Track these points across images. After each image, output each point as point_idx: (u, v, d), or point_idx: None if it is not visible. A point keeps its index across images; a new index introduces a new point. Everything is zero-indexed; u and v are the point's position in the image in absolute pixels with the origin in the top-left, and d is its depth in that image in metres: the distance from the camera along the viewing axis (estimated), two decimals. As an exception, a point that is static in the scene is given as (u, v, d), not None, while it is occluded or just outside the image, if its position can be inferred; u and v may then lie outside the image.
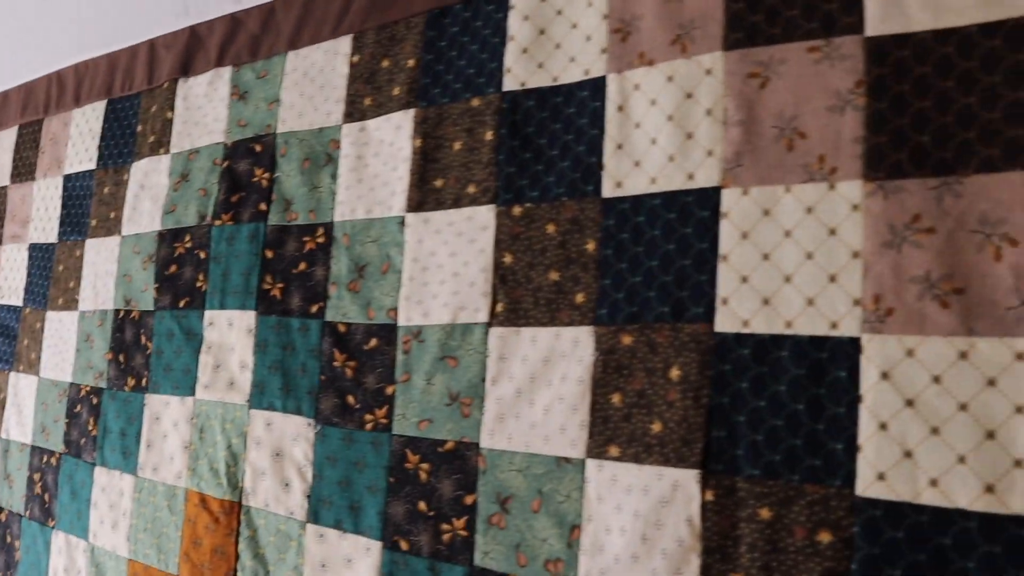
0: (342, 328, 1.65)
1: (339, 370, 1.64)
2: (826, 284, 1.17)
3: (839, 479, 1.13)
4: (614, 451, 1.30)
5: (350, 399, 1.61)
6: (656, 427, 1.27)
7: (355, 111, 1.72)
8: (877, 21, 1.19)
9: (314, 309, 1.70)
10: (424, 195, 1.58)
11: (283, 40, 1.85)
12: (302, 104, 1.80)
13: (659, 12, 1.36)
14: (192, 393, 1.87)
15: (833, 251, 1.17)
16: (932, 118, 1.14)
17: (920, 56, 1.16)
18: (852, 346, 1.14)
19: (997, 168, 1.09)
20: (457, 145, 1.55)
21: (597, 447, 1.32)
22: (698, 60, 1.32)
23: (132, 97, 2.16)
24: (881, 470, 1.10)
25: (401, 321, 1.57)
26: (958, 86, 1.13)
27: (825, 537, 1.13)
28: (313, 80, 1.80)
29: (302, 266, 1.74)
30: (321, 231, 1.72)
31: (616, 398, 1.31)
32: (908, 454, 1.09)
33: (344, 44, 1.76)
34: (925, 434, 1.08)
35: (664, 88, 1.34)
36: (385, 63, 1.69)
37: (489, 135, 1.51)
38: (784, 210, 1.21)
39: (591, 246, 1.37)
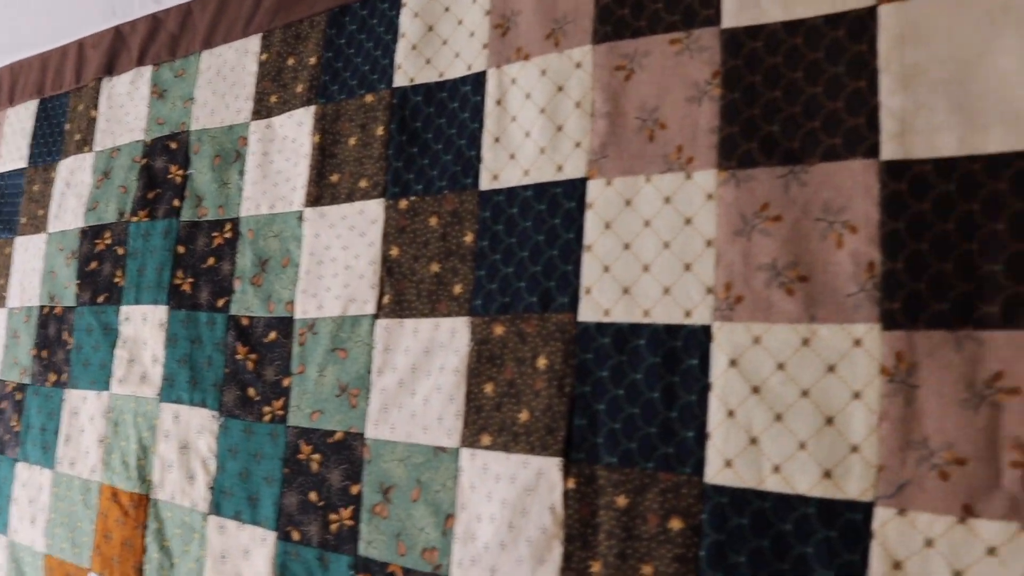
0: (245, 321, 1.67)
1: (241, 363, 1.65)
2: (682, 273, 1.18)
3: (689, 467, 1.14)
4: (486, 440, 1.31)
5: (251, 391, 1.63)
6: (524, 416, 1.28)
7: (262, 108, 1.74)
8: (733, 13, 1.20)
9: (220, 303, 1.72)
10: (321, 190, 1.59)
11: (199, 39, 1.87)
12: (215, 102, 1.83)
13: (536, 7, 1.38)
14: (108, 388, 1.88)
15: (689, 240, 1.18)
16: (781, 108, 1.15)
17: (771, 47, 1.17)
18: (704, 334, 1.15)
19: (839, 156, 1.10)
20: (352, 141, 1.57)
21: (471, 436, 1.33)
22: (569, 54, 1.33)
23: (62, 96, 2.19)
24: (728, 457, 1.11)
25: (298, 314, 1.59)
26: (805, 77, 1.14)
27: (676, 524, 1.14)
28: (225, 78, 1.82)
29: (211, 261, 1.75)
30: (229, 226, 1.74)
31: (489, 388, 1.32)
32: (754, 441, 1.10)
33: (254, 43, 1.78)
34: (769, 421, 1.09)
35: (538, 82, 1.35)
36: (290, 61, 1.71)
37: (380, 131, 1.53)
38: (644, 200, 1.23)
39: (469, 238, 1.39)
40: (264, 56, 1.76)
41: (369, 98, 1.56)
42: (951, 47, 1.05)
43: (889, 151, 1.07)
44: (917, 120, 1.06)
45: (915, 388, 1.02)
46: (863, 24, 1.11)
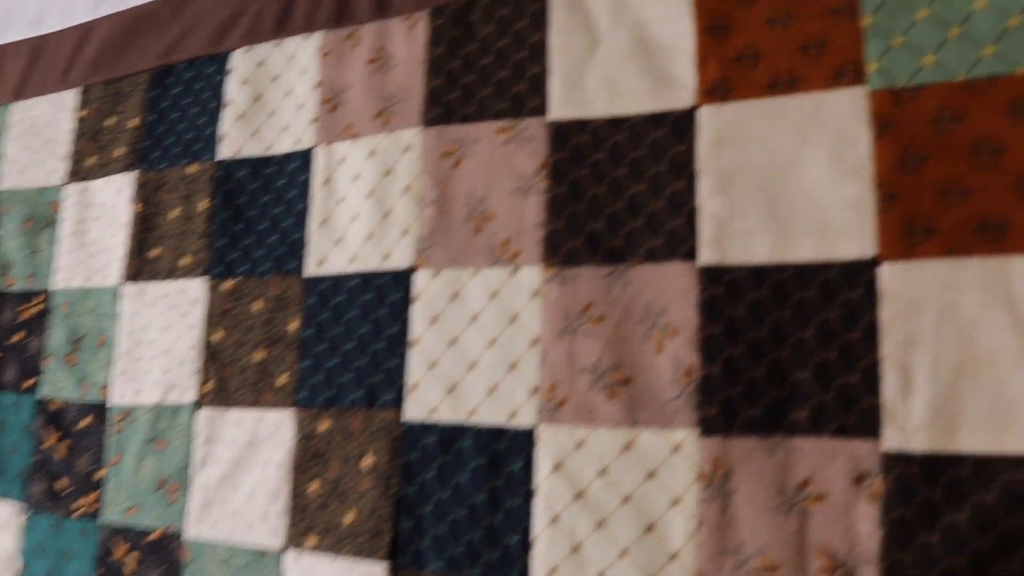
0: (56, 405, 1.53)
1: (51, 451, 1.52)
2: (507, 372, 1.15)
3: (515, 573, 1.10)
4: (311, 541, 1.24)
5: (61, 483, 1.50)
6: (350, 517, 1.22)
7: (79, 170, 1.61)
8: (559, 104, 1.19)
9: (28, 384, 1.58)
10: (141, 265, 1.49)
11: (9, 88, 1.73)
12: (26, 159, 1.69)
13: (366, 83, 1.33)
14: (-98, 474, 1.70)
15: (514, 338, 1.15)
16: (605, 205, 1.14)
17: (596, 142, 1.16)
18: (528, 437, 1.12)
19: (660, 258, 1.10)
20: (174, 213, 1.47)
21: (296, 537, 1.25)
22: (398, 136, 1.29)
23: None
24: (553, 564, 1.08)
25: (114, 399, 1.47)
26: (629, 174, 1.13)
27: (502, 633, 1.10)
28: (38, 134, 1.68)
29: (18, 336, 1.61)
30: (39, 299, 1.60)
31: (314, 486, 1.26)
32: (577, 548, 1.07)
33: (71, 97, 1.65)
34: (592, 527, 1.07)
35: (366, 163, 1.30)
36: (110, 121, 1.60)
37: (203, 204, 1.44)
38: (471, 294, 1.19)
39: (294, 325, 1.32)
40: (82, 113, 1.63)
41: (193, 168, 1.47)
42: (764, 153, 1.07)
43: (707, 255, 1.07)
44: (733, 225, 1.07)
45: (730, 495, 1.02)
46: (684, 124, 1.11)
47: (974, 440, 0.93)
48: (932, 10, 1.02)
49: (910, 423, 0.95)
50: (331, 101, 1.36)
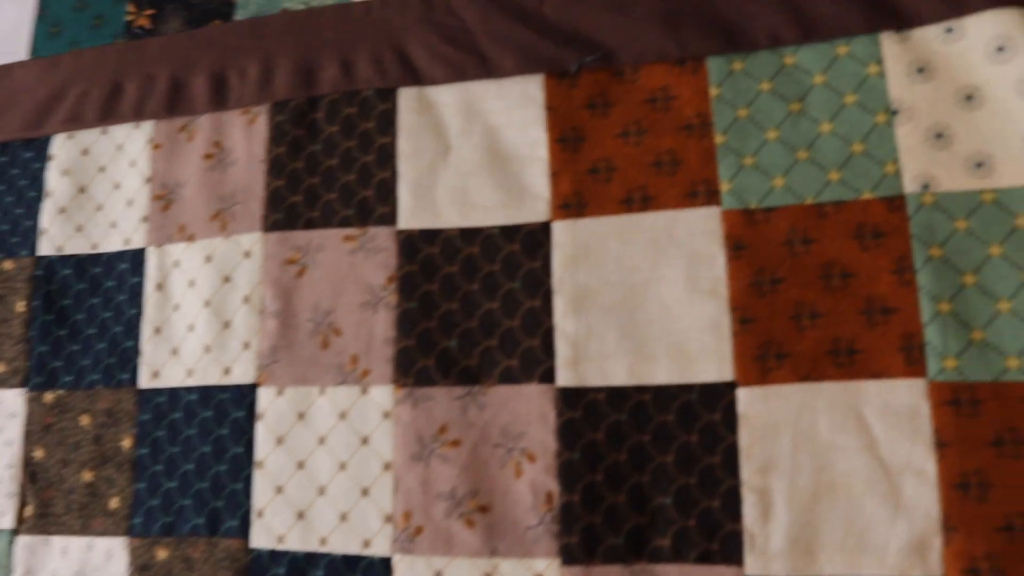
0: None
1: None
2: (359, 498, 1.08)
3: None
4: None
5: None
6: (191, 659, 1.12)
7: None
8: (408, 213, 1.13)
9: None
10: (-51, 371, 1.33)
11: None
12: None
13: (202, 180, 1.23)
14: None
15: (365, 462, 1.09)
16: (459, 322, 1.09)
17: (448, 254, 1.10)
18: (384, 567, 1.06)
19: (516, 380, 1.05)
20: (-12, 314, 1.33)
21: None
22: (237, 240, 1.19)
23: None
24: None
25: (-81, 524, 1.31)
26: (482, 289, 1.09)
27: None
28: None
29: None
30: None
31: (152, 623, 1.15)
32: None
33: None
34: (452, 666, 1.02)
35: (202, 268, 1.20)
36: (-88, 205, 1.43)
37: (21, 306, 1.30)
38: (319, 414, 1.11)
39: (127, 443, 1.20)
40: None
41: (8, 264, 1.32)
42: (620, 272, 1.04)
43: (564, 377, 1.03)
44: (589, 346, 1.03)
45: (594, 627, 0.98)
46: (538, 239, 1.07)
47: (832, 565, 0.93)
48: (781, 132, 1.02)
49: (771, 549, 0.94)
50: (164, 198, 1.25)
